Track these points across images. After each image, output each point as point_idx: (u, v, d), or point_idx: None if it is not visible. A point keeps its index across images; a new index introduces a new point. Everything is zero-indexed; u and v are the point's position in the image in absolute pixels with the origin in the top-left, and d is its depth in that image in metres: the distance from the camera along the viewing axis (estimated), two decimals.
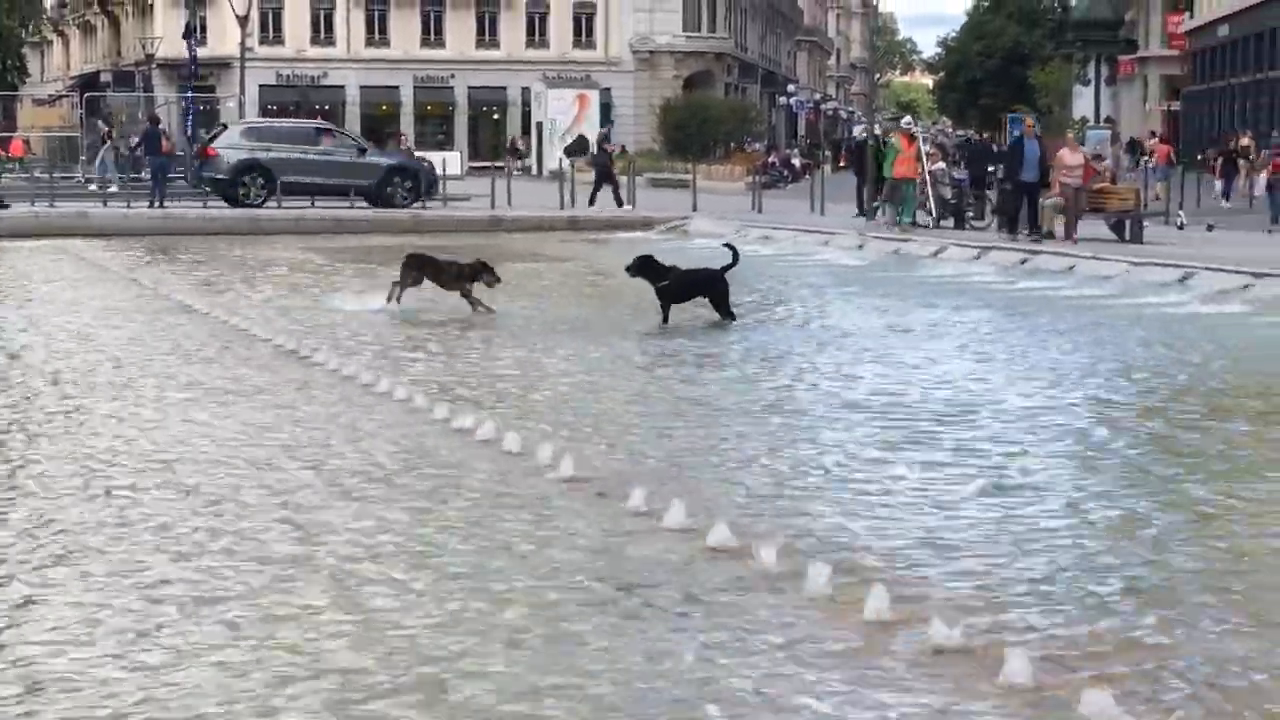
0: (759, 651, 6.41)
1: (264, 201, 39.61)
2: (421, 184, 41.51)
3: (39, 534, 8.28)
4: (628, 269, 18.34)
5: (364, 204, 39.89)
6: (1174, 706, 5.83)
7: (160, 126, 44.89)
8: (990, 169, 35.39)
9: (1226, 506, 9.17)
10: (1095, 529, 8.59)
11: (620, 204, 41.75)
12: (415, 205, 40.36)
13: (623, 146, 68.47)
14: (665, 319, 17.81)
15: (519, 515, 8.69)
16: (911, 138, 35.43)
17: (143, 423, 11.64)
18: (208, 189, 40.73)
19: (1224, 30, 69.63)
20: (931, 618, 6.57)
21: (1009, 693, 5.91)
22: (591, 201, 42.05)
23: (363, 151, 42.63)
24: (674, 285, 18.02)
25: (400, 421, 11.64)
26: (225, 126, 44.43)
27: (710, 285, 18.24)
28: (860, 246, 31.37)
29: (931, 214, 34.82)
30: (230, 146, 40.67)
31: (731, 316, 18.10)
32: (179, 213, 38.32)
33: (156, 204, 39.30)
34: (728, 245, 19.08)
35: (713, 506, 8.76)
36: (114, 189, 44.22)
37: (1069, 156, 29.89)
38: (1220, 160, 48.29)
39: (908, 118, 42.59)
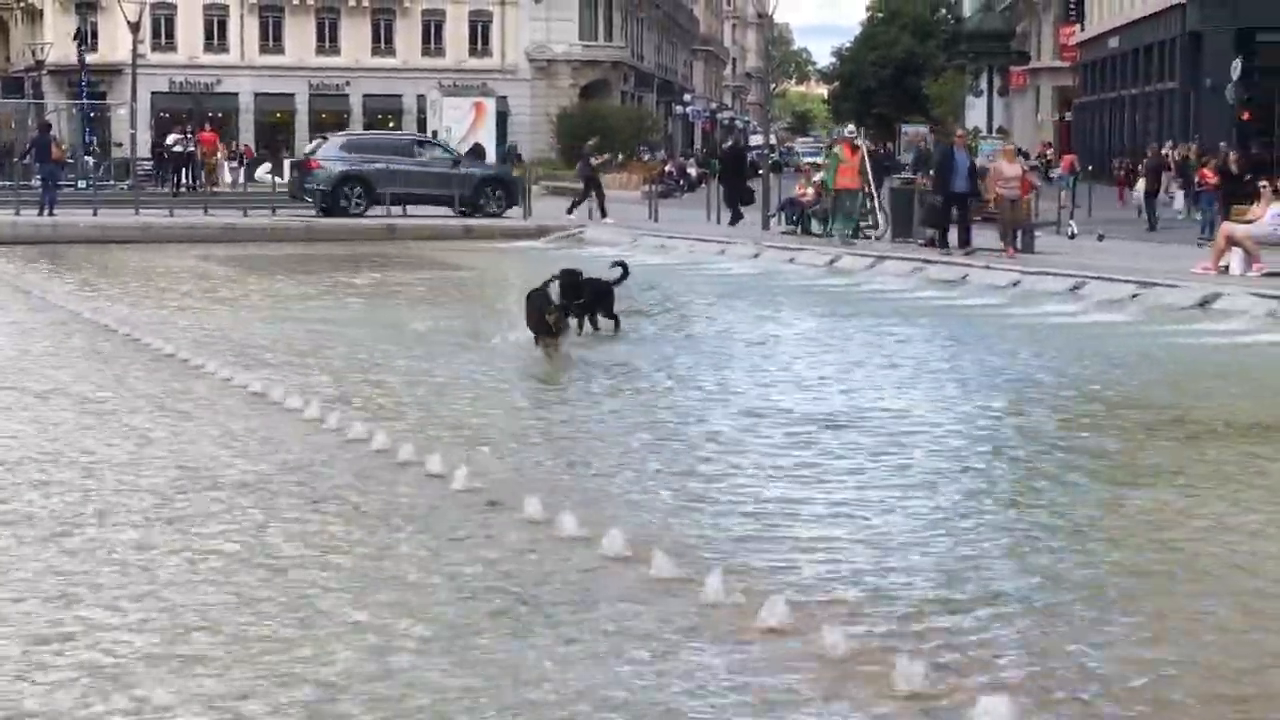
0: (652, 659, 6.40)
1: (364, 211, 40.53)
2: (516, 194, 42.82)
3: None
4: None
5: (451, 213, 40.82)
6: (1067, 712, 5.88)
7: (51, 133, 44.35)
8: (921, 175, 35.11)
9: (1109, 515, 9.26)
10: (980, 536, 8.65)
11: (592, 214, 42.29)
12: (506, 213, 41.68)
13: (519, 155, 68.37)
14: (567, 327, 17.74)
15: (411, 525, 8.65)
16: (855, 147, 34.01)
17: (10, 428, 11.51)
18: (309, 199, 41.58)
19: (1114, 42, 70.55)
20: (823, 624, 6.59)
21: (902, 699, 5.93)
22: (573, 211, 42.49)
23: (456, 163, 43.93)
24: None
25: (292, 431, 11.55)
26: (325, 138, 45.90)
27: (604, 296, 18.32)
28: (755, 255, 31.48)
29: (878, 226, 33.68)
30: (331, 158, 41.91)
31: (617, 323, 18.15)
32: (69, 220, 37.85)
33: (46, 212, 38.77)
34: (619, 263, 19.13)
35: (605, 515, 8.74)
36: None
37: (1006, 168, 29.76)
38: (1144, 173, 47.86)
39: (850, 126, 40.63)
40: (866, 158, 34.42)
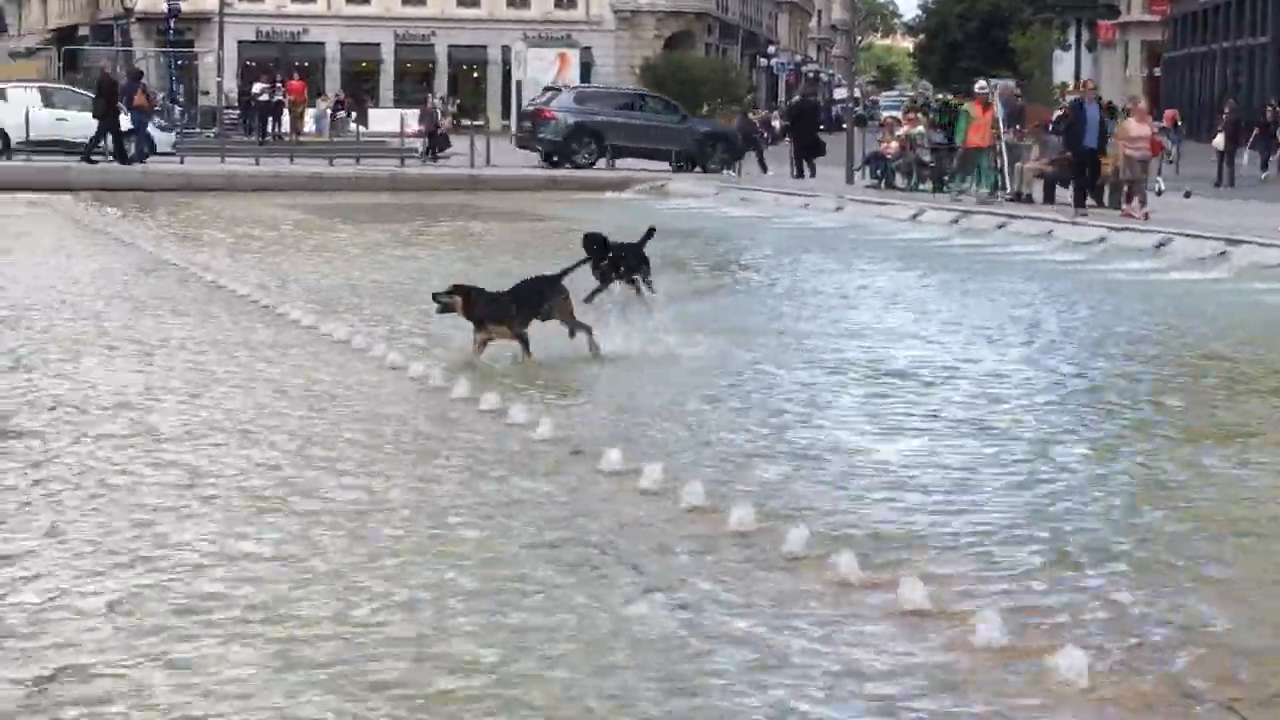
0: (733, 612, 6.42)
1: (593, 163, 41.66)
2: (738, 149, 43.81)
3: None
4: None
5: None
6: (1145, 667, 5.87)
7: (143, 81, 44.67)
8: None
9: (1193, 471, 9.22)
10: (1063, 491, 8.63)
11: (764, 169, 43.59)
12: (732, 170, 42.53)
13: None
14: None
15: (495, 473, 8.70)
16: (987, 104, 32.39)
17: (104, 373, 11.63)
18: (540, 149, 42.88)
19: None
20: (901, 578, 6.59)
21: (980, 652, 5.93)
22: (764, 169, 43.51)
23: (684, 118, 44.92)
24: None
25: (375, 380, 11.63)
26: (559, 90, 47.13)
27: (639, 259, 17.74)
28: (838, 209, 31.40)
29: (1007, 187, 31.68)
30: (565, 109, 43.03)
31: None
32: (156, 168, 38.15)
33: (136, 160, 39.08)
34: (651, 228, 18.12)
35: (687, 467, 8.77)
36: None
37: (1134, 127, 28.83)
38: (1255, 130, 46.62)
39: (982, 81, 38.06)
40: (1000, 115, 32.52)
